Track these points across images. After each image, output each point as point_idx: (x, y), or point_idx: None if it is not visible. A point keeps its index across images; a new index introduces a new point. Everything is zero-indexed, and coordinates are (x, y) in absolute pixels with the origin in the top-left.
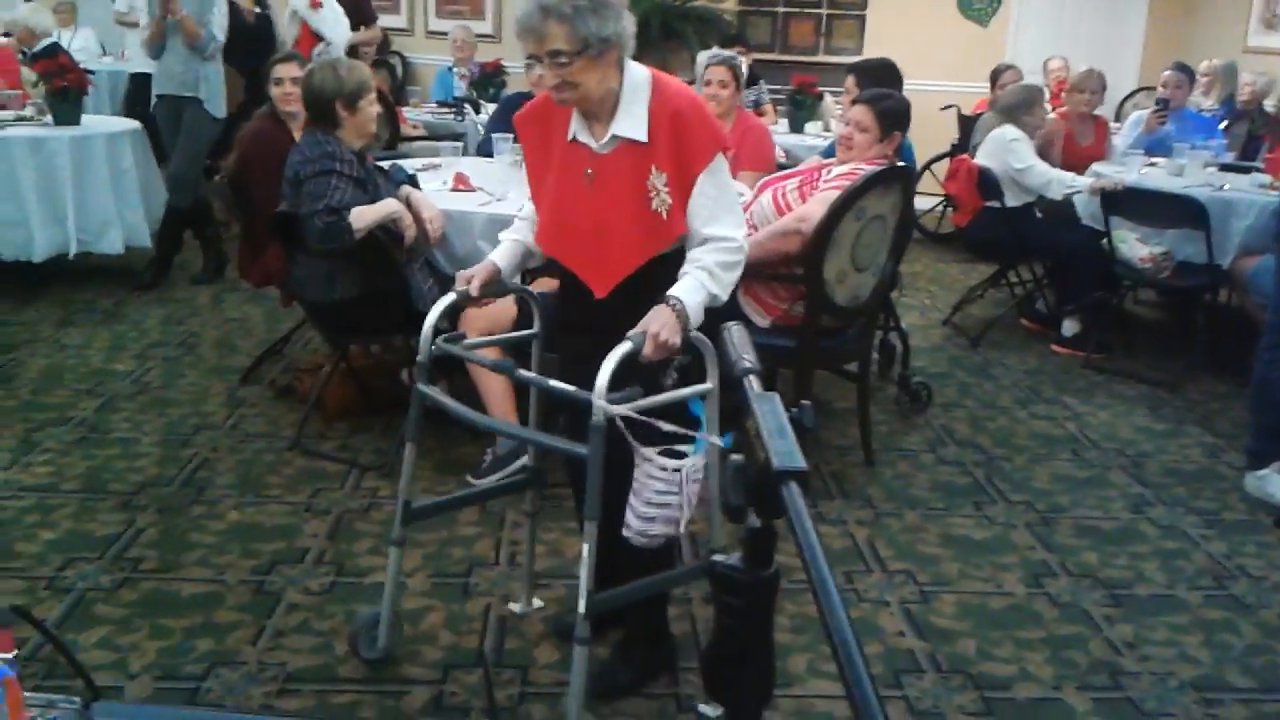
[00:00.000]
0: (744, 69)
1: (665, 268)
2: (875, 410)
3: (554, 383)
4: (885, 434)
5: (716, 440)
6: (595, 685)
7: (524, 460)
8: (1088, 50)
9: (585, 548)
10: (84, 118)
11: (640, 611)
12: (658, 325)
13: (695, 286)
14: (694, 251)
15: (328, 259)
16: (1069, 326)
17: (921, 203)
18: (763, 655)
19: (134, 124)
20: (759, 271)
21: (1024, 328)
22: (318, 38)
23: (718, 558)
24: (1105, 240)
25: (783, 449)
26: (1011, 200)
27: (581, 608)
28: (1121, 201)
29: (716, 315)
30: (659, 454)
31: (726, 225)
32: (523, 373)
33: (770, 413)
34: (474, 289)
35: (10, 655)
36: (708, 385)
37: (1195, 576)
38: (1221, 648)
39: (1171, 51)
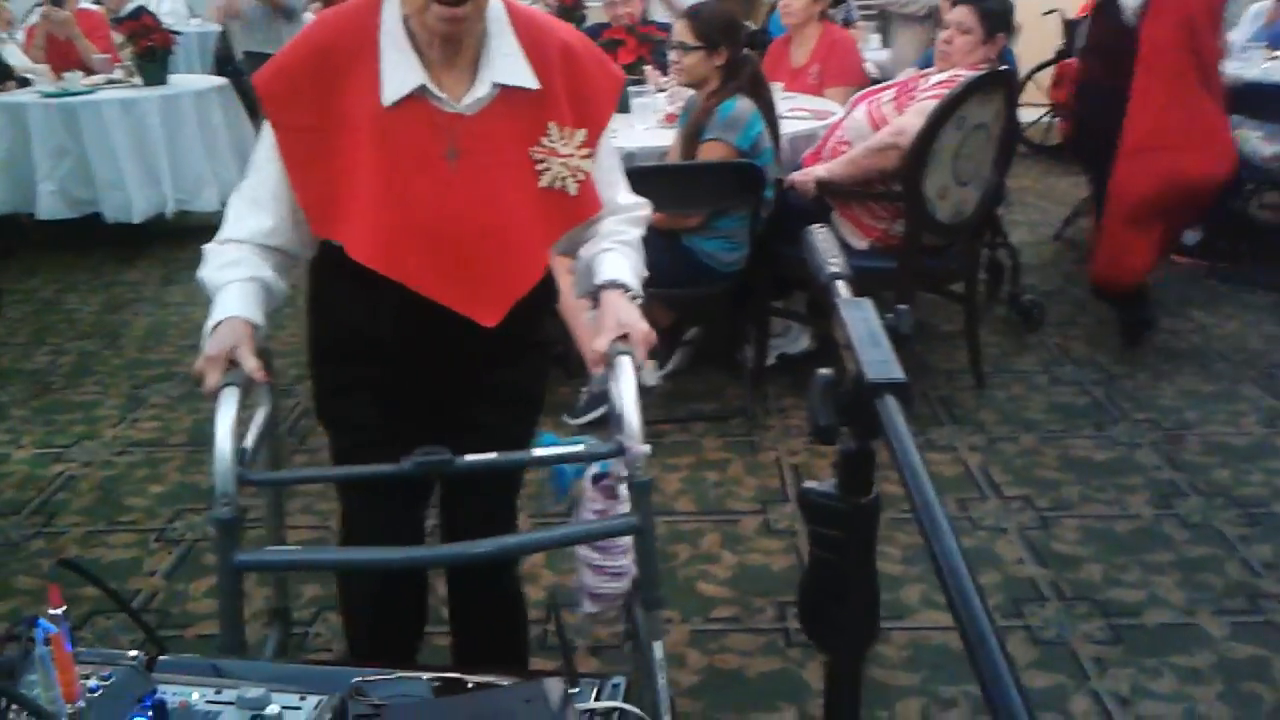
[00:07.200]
0: None
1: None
2: (985, 331)
3: (542, 451)
4: (996, 356)
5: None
6: None
7: None
8: None
9: (657, 647)
10: (172, 78)
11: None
12: (643, 324)
13: (628, 265)
14: (606, 223)
15: None
16: (1190, 235)
17: (1026, 115)
18: (865, 591)
19: (221, 80)
20: (855, 191)
21: None
22: None
23: (810, 484)
24: None
25: (877, 359)
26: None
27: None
28: (1243, 98)
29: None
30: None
31: (628, 188)
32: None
33: (862, 320)
34: (253, 368)
35: (59, 611)
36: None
37: None
38: None
39: None
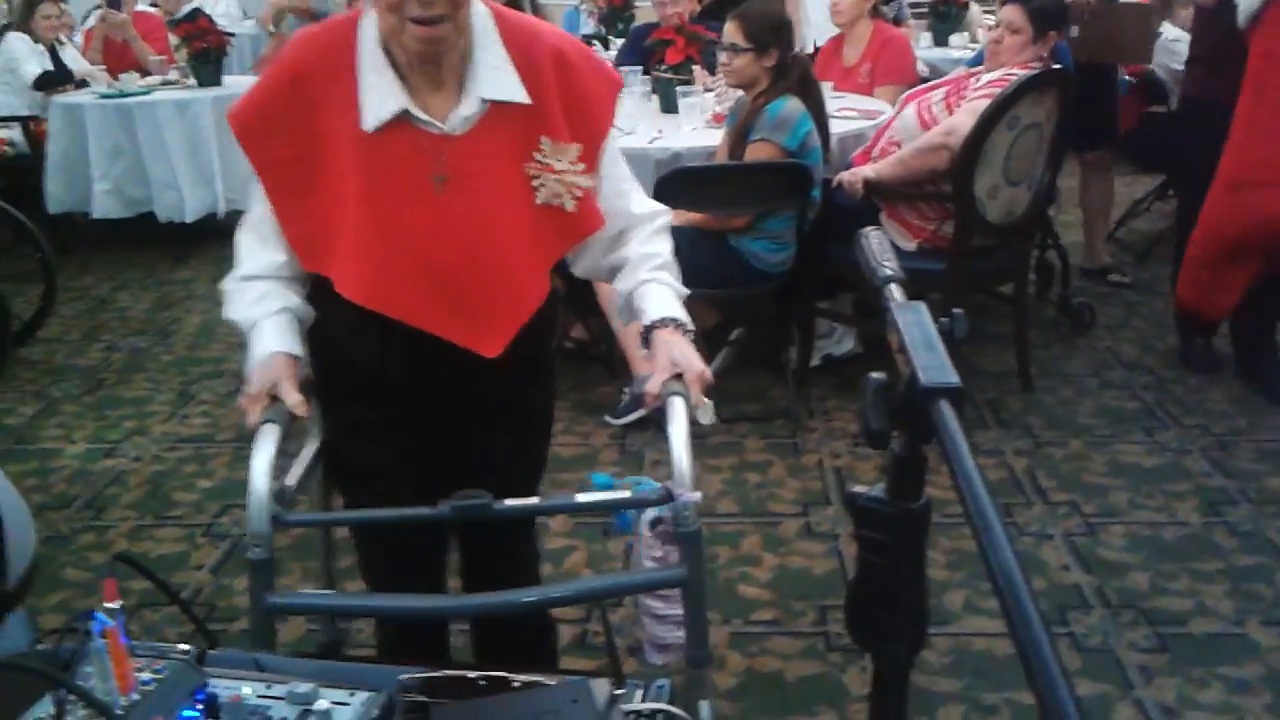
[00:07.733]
0: None
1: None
2: (1033, 334)
3: (585, 496)
4: (1045, 359)
5: (696, 496)
6: None
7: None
8: None
9: (704, 707)
10: (226, 79)
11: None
12: (698, 363)
13: (672, 295)
14: (634, 246)
15: None
16: None
17: None
18: (914, 597)
19: None
20: (903, 191)
21: None
22: None
23: (859, 489)
24: None
25: (931, 363)
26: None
27: None
28: None
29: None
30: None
31: (642, 194)
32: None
33: (916, 324)
34: (297, 405)
35: (115, 605)
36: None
37: None
38: None
39: None
